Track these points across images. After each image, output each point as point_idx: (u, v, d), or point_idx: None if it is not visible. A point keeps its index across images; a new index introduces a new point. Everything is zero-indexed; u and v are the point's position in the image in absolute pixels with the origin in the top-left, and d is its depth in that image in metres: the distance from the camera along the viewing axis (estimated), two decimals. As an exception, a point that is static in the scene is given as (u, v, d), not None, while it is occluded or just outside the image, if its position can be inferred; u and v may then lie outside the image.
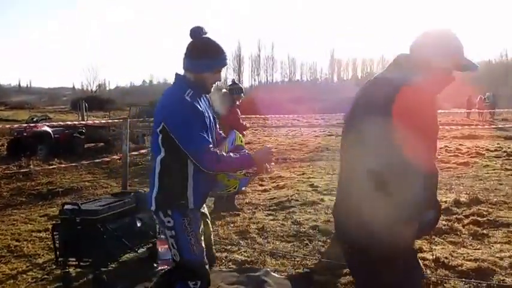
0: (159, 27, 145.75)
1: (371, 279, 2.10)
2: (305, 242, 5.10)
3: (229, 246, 4.95)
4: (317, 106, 39.49)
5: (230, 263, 4.51)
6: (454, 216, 5.86)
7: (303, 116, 30.34)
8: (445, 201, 6.51)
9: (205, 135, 2.60)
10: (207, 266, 2.80)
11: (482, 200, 6.58)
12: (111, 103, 49.67)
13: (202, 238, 2.81)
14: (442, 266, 4.23)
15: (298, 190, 7.81)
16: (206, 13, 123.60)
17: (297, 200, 7.07)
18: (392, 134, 1.84)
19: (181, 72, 2.76)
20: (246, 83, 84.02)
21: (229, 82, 7.37)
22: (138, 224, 4.40)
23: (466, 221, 5.62)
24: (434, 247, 4.79)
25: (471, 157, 11.31)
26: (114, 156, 10.53)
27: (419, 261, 2.27)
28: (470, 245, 4.89)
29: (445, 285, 3.84)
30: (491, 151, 12.28)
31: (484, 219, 5.66)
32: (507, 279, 3.91)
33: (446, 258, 4.34)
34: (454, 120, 22.40)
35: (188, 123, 2.56)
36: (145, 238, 4.52)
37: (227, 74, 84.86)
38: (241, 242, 5.14)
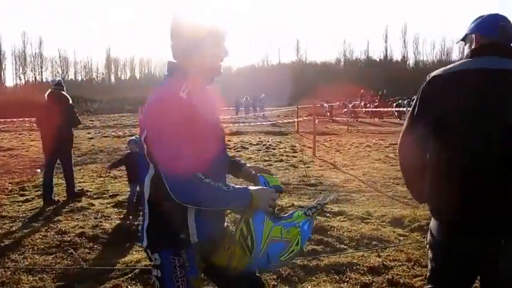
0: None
1: None
2: (69, 251, 4.83)
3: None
4: (93, 107, 37.73)
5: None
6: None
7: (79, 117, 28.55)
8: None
9: (191, 153, 1.84)
10: None
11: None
12: None
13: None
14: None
15: (65, 197, 7.32)
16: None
17: (64, 208, 6.65)
18: None
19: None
20: (9, 82, 74.88)
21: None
22: None
23: (227, 210, 6.13)
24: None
25: (237, 151, 12.44)
26: None
27: None
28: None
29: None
30: (254, 145, 13.74)
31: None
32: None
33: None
34: (225, 118, 24.17)
35: (173, 131, 1.83)
36: None
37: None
38: (-9, 262, 4.57)
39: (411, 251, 4.41)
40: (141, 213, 6.09)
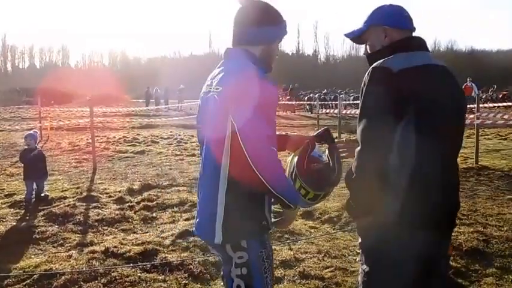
0: None
1: None
2: None
3: None
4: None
5: None
6: (127, 204, 6.08)
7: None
8: (119, 191, 6.70)
9: (269, 124, 1.93)
10: None
11: (153, 186, 7.07)
12: None
13: None
14: (111, 255, 4.28)
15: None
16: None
17: (-49, 210, 5.99)
18: None
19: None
20: None
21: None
22: None
23: (137, 208, 5.90)
24: (105, 238, 4.84)
25: (147, 145, 12.05)
26: None
27: None
28: (140, 229, 5.15)
29: (112, 274, 3.89)
30: (165, 139, 13.39)
31: (154, 203, 6.08)
32: (169, 256, 4.26)
33: (115, 247, 4.42)
34: (134, 111, 23.37)
35: (262, 105, 1.84)
36: None
37: None
38: None
39: (321, 243, 4.51)
40: (37, 212, 5.68)
